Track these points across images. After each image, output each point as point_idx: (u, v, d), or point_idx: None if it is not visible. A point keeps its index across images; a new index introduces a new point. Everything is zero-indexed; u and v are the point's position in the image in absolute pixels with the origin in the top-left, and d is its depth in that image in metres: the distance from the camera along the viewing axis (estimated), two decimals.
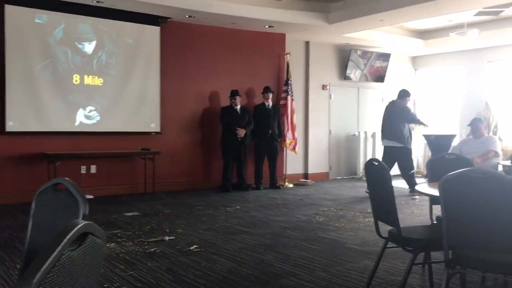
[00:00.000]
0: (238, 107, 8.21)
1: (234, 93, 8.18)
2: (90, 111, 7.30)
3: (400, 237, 2.92)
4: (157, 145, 7.78)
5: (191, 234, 4.99)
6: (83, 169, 7.26)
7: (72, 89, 7.12)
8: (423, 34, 10.15)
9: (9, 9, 6.55)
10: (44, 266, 0.79)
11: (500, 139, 7.67)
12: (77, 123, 7.18)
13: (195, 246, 4.49)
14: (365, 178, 9.36)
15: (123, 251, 4.28)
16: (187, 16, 7.73)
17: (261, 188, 8.39)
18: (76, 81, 7.15)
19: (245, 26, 8.47)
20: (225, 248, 4.44)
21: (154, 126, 7.88)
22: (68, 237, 0.86)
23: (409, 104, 8.25)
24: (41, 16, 6.85)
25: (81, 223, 0.91)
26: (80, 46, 7.20)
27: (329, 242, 4.70)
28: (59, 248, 0.82)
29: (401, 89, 8.25)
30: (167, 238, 4.78)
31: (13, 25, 6.59)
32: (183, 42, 8.16)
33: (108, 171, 7.50)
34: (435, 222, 3.73)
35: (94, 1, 6.86)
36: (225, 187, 8.10)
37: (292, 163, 9.36)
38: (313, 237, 4.93)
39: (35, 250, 1.80)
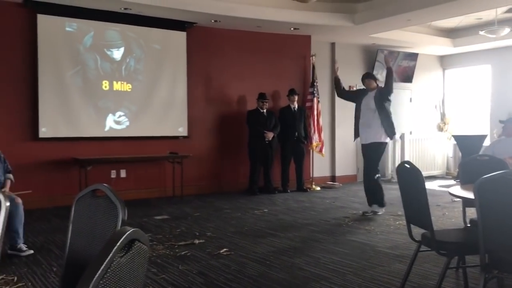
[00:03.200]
0: (265, 110, 8.23)
1: (262, 96, 8.20)
2: (120, 116, 7.42)
3: (434, 241, 2.88)
4: (185, 149, 7.85)
5: (220, 237, 5.02)
6: (113, 174, 7.39)
7: (101, 95, 7.26)
8: (451, 32, 9.98)
9: (41, 18, 6.73)
10: (98, 273, 0.81)
11: None
12: (107, 128, 7.32)
13: (225, 249, 4.51)
14: (394, 180, 9.29)
15: (154, 254, 4.33)
16: (212, 20, 7.80)
17: (288, 191, 8.38)
18: (105, 87, 7.29)
19: (270, 29, 8.49)
20: (254, 252, 4.45)
21: (181, 130, 7.97)
22: (118, 244, 0.88)
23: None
24: (71, 24, 7.01)
25: (129, 230, 0.94)
26: (109, 52, 7.33)
27: (359, 246, 4.66)
28: (111, 255, 0.85)
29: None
30: (197, 241, 4.82)
31: (45, 34, 6.76)
32: (209, 46, 8.22)
33: (137, 175, 7.61)
34: (468, 225, 3.66)
35: (122, 8, 6.99)
36: (252, 190, 8.12)
37: (319, 166, 9.32)
38: (343, 240, 4.90)
39: (75, 255, 1.85)
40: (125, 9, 7.00)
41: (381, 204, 6.22)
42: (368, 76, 6.46)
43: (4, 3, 6.53)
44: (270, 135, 8.14)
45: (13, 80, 6.63)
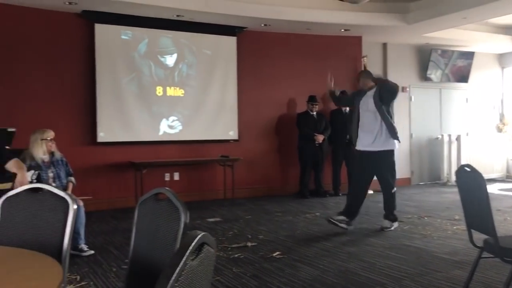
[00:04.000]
0: (315, 112, 8.18)
1: (312, 99, 8.17)
2: (173, 121, 7.61)
3: (497, 247, 2.76)
4: (235, 152, 7.93)
5: (272, 240, 5.04)
6: (167, 176, 7.57)
7: (155, 100, 7.47)
8: (510, 29, 9.54)
9: (98, 27, 7.01)
10: (174, 275, 0.84)
11: None
12: (161, 132, 7.51)
13: (277, 252, 4.52)
14: (450, 183, 8.99)
15: None
16: (262, 24, 7.85)
17: (340, 194, 8.28)
18: (159, 92, 7.49)
19: (320, 31, 8.44)
20: (307, 255, 4.43)
21: (232, 133, 8.06)
22: (191, 247, 0.91)
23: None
24: (127, 33, 7.26)
25: (200, 234, 0.96)
26: (162, 59, 7.54)
27: (415, 251, 4.54)
28: (185, 258, 0.88)
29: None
30: (249, 244, 4.85)
31: (102, 42, 7.04)
32: (258, 50, 8.28)
33: (190, 178, 7.77)
34: None
35: (175, 16, 7.16)
36: (303, 193, 8.09)
37: None
38: (398, 245, 4.79)
39: (139, 256, 1.91)
40: (177, 16, 7.17)
41: (393, 218, 5.57)
42: (363, 75, 5.77)
43: (64, 14, 6.85)
44: (320, 138, 8.08)
45: (73, 88, 6.94)
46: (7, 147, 4.57)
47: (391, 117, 5.47)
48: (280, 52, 8.43)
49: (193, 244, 0.93)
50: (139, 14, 7.06)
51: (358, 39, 8.97)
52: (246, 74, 8.15)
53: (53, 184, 4.55)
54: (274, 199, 7.90)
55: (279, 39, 8.40)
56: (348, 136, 8.32)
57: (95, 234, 5.38)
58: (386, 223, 5.56)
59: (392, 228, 5.49)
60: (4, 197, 2.19)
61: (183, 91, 7.67)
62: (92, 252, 4.53)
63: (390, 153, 5.51)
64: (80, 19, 6.95)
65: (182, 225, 1.69)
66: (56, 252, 2.03)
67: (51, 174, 4.64)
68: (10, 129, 5.18)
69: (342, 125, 8.29)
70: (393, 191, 5.54)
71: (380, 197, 5.80)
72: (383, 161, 5.48)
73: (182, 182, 7.68)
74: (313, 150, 8.06)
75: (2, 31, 6.45)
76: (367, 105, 5.47)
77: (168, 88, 7.57)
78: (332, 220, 5.46)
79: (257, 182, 8.27)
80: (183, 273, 0.88)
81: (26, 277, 1.54)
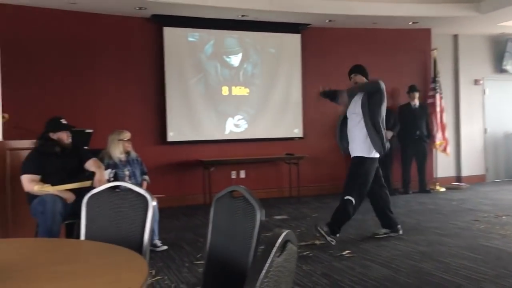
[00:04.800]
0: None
1: None
2: (239, 119, 7.72)
3: None
4: (300, 149, 7.91)
5: (341, 238, 4.97)
6: (233, 174, 7.70)
7: (221, 100, 7.61)
8: None
9: (167, 31, 7.24)
10: (263, 272, 0.86)
11: None
12: (227, 131, 7.65)
13: (347, 251, 4.46)
14: None
15: None
16: (327, 20, 7.76)
17: (410, 192, 8.04)
18: (225, 92, 7.63)
19: (387, 25, 8.22)
20: (378, 254, 4.34)
21: (297, 131, 8.05)
22: (277, 244, 0.93)
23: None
24: (194, 35, 7.45)
25: (284, 231, 0.98)
26: (227, 59, 7.66)
27: (494, 251, 4.32)
28: (272, 255, 0.89)
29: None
30: (318, 242, 4.82)
31: (170, 45, 7.27)
32: (323, 46, 8.20)
33: (256, 176, 7.84)
34: None
35: (240, 16, 7.26)
36: None
37: (443, 165, 8.80)
38: (474, 245, 4.57)
39: (215, 252, 1.96)
40: (242, 16, 7.26)
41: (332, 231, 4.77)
42: (354, 70, 5.15)
43: (135, 19, 7.14)
44: (388, 135, 7.85)
45: (144, 90, 7.22)
46: (85, 147, 4.85)
47: (376, 124, 4.84)
48: (345, 48, 8.29)
49: (278, 241, 0.94)
50: (205, 16, 7.22)
51: (427, 32, 8.64)
52: (311, 71, 8.10)
53: (129, 182, 4.76)
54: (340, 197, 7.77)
55: (344, 34, 8.27)
56: (418, 132, 8.07)
57: (167, 230, 5.56)
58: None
59: (324, 242, 4.68)
60: (88, 195, 2.32)
61: (248, 90, 7.76)
62: (166, 247, 4.69)
63: (362, 160, 4.83)
64: (150, 23, 7.22)
65: (258, 223, 1.71)
66: (136, 247, 2.12)
67: (127, 173, 4.85)
68: (88, 130, 5.49)
69: (412, 121, 8.04)
70: (346, 198, 4.83)
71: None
72: (352, 165, 4.95)
73: (248, 180, 7.77)
74: None
75: (80, 39, 6.82)
76: (354, 107, 4.95)
77: (233, 87, 7.69)
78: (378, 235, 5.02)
79: (322, 180, 8.20)
80: (271, 269, 0.90)
81: (117, 269, 1.65)
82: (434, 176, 8.52)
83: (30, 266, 1.70)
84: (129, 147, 4.89)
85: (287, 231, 1.01)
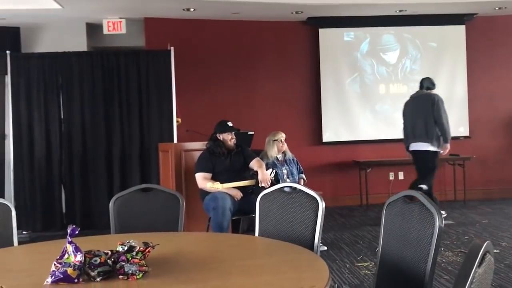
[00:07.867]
0: None
1: None
2: (396, 119, 7.43)
3: None
4: (466, 150, 7.32)
5: None
6: (391, 176, 7.45)
7: (378, 99, 7.43)
8: None
9: (322, 32, 7.31)
10: (468, 283, 0.83)
11: None
12: (384, 131, 7.43)
13: None
14: None
15: (444, 261, 4.17)
16: (496, 8, 7.07)
17: None
18: (382, 91, 7.43)
19: None
20: None
21: (462, 130, 7.48)
22: (479, 255, 0.89)
23: None
24: (349, 34, 7.40)
25: (485, 242, 0.93)
26: (384, 56, 7.45)
27: None
28: (475, 266, 0.86)
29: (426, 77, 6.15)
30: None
31: (325, 46, 7.32)
32: (491, 37, 7.50)
33: (415, 177, 7.46)
34: None
35: (397, 11, 7.00)
36: None
37: None
38: None
39: (387, 256, 1.93)
40: (400, 11, 6.99)
41: None
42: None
43: (291, 23, 7.34)
44: None
45: (300, 92, 7.39)
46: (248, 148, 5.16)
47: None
48: None
49: (481, 252, 0.90)
50: (360, 14, 7.12)
51: None
52: (477, 65, 7.45)
53: (287, 180, 4.94)
54: None
55: None
56: None
57: (324, 230, 5.58)
58: None
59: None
60: (261, 195, 2.46)
61: (406, 88, 7.44)
62: (325, 248, 4.75)
63: None
64: (305, 26, 7.36)
65: (437, 230, 1.64)
66: (306, 247, 2.19)
67: (285, 171, 5.05)
68: (250, 132, 5.83)
69: None
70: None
71: None
72: None
73: (407, 182, 7.39)
74: None
75: (242, 46, 7.26)
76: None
77: (391, 85, 7.46)
78: None
79: (492, 183, 7.49)
80: (474, 280, 0.86)
81: (297, 268, 1.71)
82: None
83: (221, 260, 1.83)
84: (283, 147, 5.08)
85: (487, 241, 0.96)
